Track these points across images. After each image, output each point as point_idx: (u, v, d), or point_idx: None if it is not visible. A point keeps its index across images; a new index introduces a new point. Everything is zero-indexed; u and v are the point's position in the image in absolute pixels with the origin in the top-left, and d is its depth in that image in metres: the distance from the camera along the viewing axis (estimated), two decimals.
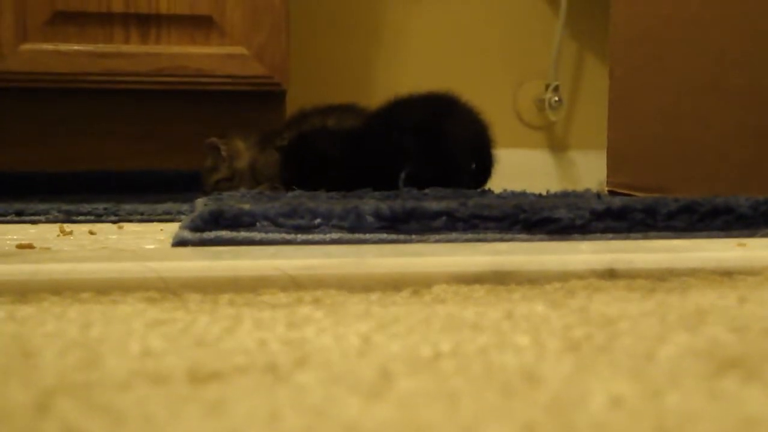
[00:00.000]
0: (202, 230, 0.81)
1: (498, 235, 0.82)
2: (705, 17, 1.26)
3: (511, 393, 0.38)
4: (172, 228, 0.97)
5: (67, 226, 1.03)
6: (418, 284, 0.66)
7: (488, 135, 1.56)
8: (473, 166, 1.54)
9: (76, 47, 1.68)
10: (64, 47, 1.67)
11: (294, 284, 0.65)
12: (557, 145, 2.20)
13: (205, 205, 1.01)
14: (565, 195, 1.30)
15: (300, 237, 0.80)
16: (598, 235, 0.83)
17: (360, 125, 1.57)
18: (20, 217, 1.18)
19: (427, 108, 1.56)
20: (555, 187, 1.92)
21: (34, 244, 0.82)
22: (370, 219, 0.82)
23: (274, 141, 1.62)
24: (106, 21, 1.69)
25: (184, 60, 1.71)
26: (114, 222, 1.15)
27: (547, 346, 0.47)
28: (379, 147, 1.50)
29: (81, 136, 1.82)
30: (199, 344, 0.49)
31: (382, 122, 1.55)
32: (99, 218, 1.17)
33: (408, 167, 1.34)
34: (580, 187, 1.93)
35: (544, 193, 1.34)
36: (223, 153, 1.64)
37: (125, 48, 1.70)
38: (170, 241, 0.83)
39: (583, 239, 0.82)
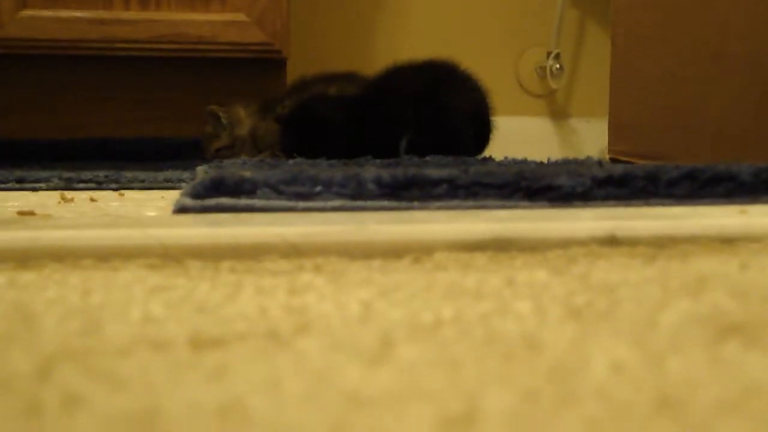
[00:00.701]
0: (203, 197, 0.81)
1: (499, 203, 0.82)
2: None
3: (512, 359, 0.38)
4: (173, 195, 0.97)
5: (68, 194, 1.03)
6: (419, 251, 0.65)
7: (488, 102, 1.56)
8: (472, 133, 1.54)
9: (75, 14, 1.67)
10: (63, 13, 1.67)
11: (295, 251, 0.65)
12: (558, 113, 2.19)
13: (206, 172, 1.01)
14: (566, 162, 1.29)
15: (301, 204, 0.80)
16: (600, 202, 0.83)
17: (359, 92, 1.56)
18: (21, 184, 1.18)
19: (428, 75, 1.56)
20: (556, 154, 1.92)
21: (36, 211, 0.82)
22: (371, 186, 0.82)
23: (276, 109, 1.62)
24: None
25: (184, 27, 1.70)
26: (115, 189, 1.15)
27: (548, 312, 0.47)
28: (379, 115, 1.50)
29: (81, 104, 1.81)
30: (200, 311, 0.49)
31: (382, 90, 1.55)
32: (100, 186, 1.17)
33: (408, 135, 1.34)
34: (581, 155, 1.93)
35: (545, 160, 1.34)
36: (224, 121, 1.63)
37: (125, 15, 1.69)
38: (171, 208, 0.83)
39: (585, 206, 0.82)
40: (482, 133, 1.56)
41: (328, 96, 1.59)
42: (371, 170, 0.90)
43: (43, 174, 1.24)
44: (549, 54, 2.14)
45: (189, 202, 0.81)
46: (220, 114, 1.64)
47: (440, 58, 1.59)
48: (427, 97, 1.51)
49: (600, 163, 1.22)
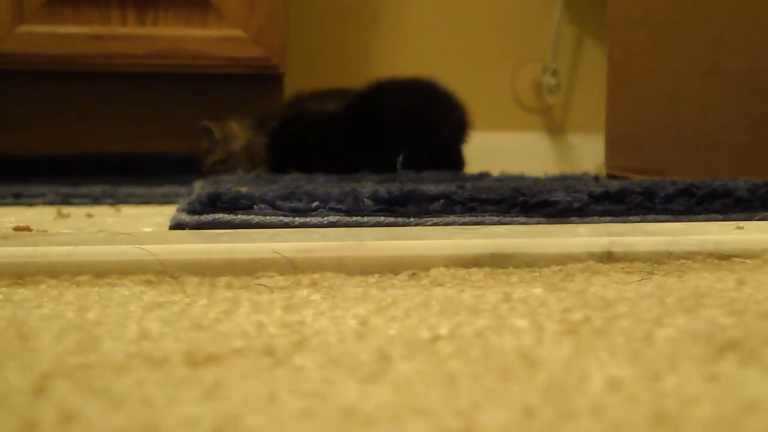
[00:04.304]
0: (199, 213, 0.81)
1: (496, 218, 0.82)
2: (702, 1, 1.26)
3: (509, 376, 0.38)
4: (169, 211, 0.97)
5: (65, 209, 1.03)
6: (416, 267, 0.65)
7: (467, 119, 1.58)
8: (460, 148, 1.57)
9: (72, 29, 1.67)
10: (60, 29, 1.67)
11: (292, 267, 0.64)
12: (555, 128, 2.19)
13: (203, 188, 1.01)
14: (563, 178, 1.30)
15: (298, 220, 0.80)
16: (596, 218, 0.83)
17: (343, 109, 1.57)
18: (17, 199, 1.18)
19: (413, 93, 1.57)
20: (553, 170, 1.92)
21: (32, 227, 0.82)
22: (367, 202, 0.82)
23: (271, 124, 1.62)
24: (102, 3, 1.68)
25: (181, 42, 1.70)
26: (111, 205, 1.14)
27: (545, 328, 0.47)
28: (368, 132, 1.51)
29: (78, 119, 1.81)
30: (196, 327, 0.49)
31: (369, 107, 1.55)
32: (96, 201, 1.17)
33: (404, 152, 1.34)
34: (578, 170, 1.93)
35: (542, 176, 1.34)
36: (217, 135, 1.63)
37: (122, 30, 1.69)
38: (168, 224, 0.83)
39: (581, 222, 0.82)
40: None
41: (312, 112, 1.59)
42: (368, 186, 0.90)
43: (40, 189, 1.24)
44: (545, 69, 2.15)
45: (186, 217, 0.80)
46: (213, 129, 1.64)
47: (420, 76, 1.60)
48: (415, 114, 1.52)
49: (597, 178, 1.22)
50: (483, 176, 1.35)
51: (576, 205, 0.83)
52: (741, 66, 1.21)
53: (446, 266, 0.65)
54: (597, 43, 2.15)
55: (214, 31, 1.71)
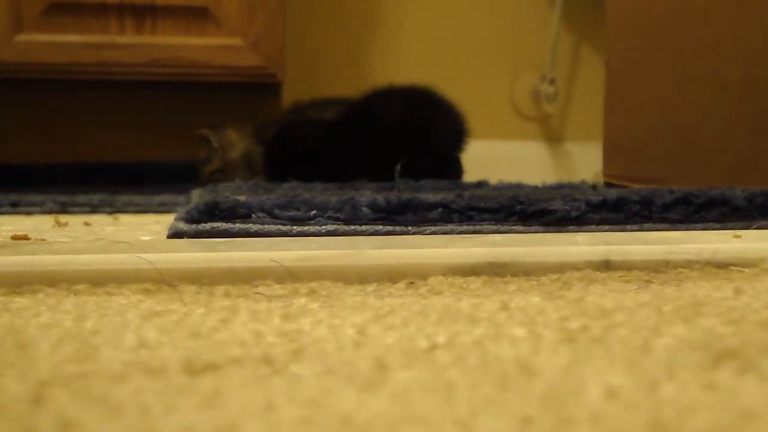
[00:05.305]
0: (197, 222, 0.81)
1: (494, 227, 0.82)
2: (701, 9, 1.26)
3: (506, 385, 0.38)
4: (167, 219, 0.97)
5: (63, 218, 1.03)
6: (414, 276, 0.65)
7: (466, 127, 1.58)
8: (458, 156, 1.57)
9: (71, 38, 1.67)
10: (59, 38, 1.67)
11: (290, 276, 0.65)
12: (553, 137, 2.19)
13: (201, 196, 1.01)
14: (561, 186, 1.30)
15: (296, 228, 0.80)
16: (594, 226, 0.83)
17: (340, 117, 1.57)
18: (15, 208, 1.18)
19: (410, 100, 1.57)
20: (551, 178, 1.92)
21: (30, 236, 0.82)
22: (365, 210, 0.82)
23: (269, 132, 1.62)
24: (101, 12, 1.69)
25: (179, 51, 1.70)
26: (109, 213, 1.14)
27: (543, 337, 0.47)
28: (366, 140, 1.50)
29: (76, 127, 1.81)
30: (194, 336, 0.49)
31: (367, 115, 1.55)
32: (94, 209, 1.17)
33: (402, 160, 1.34)
34: (576, 179, 1.93)
35: (540, 184, 1.34)
36: (215, 144, 1.63)
37: (120, 39, 1.69)
38: (166, 232, 0.83)
39: (579, 231, 0.82)
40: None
41: (308, 120, 1.59)
42: (366, 194, 0.90)
43: (38, 198, 1.24)
44: (543, 78, 2.15)
45: (184, 226, 0.81)
46: (211, 137, 1.64)
47: (418, 84, 1.60)
48: (413, 122, 1.52)
49: (594, 187, 1.22)
50: (481, 185, 1.35)
51: (574, 213, 0.83)
52: (740, 74, 1.21)
53: (444, 275, 0.66)
54: (595, 51, 2.15)
55: (212, 40, 1.72)
